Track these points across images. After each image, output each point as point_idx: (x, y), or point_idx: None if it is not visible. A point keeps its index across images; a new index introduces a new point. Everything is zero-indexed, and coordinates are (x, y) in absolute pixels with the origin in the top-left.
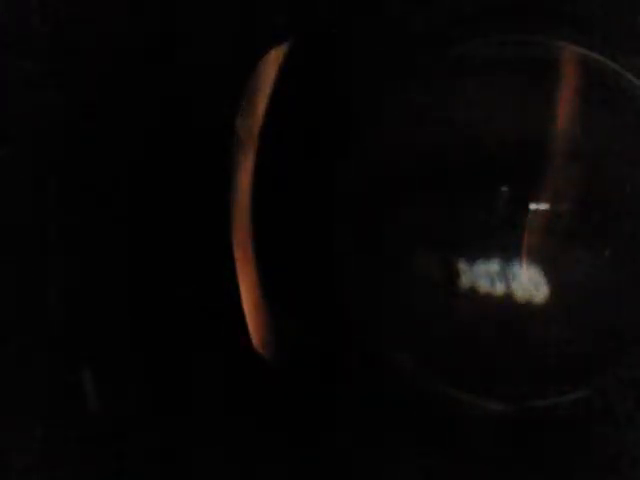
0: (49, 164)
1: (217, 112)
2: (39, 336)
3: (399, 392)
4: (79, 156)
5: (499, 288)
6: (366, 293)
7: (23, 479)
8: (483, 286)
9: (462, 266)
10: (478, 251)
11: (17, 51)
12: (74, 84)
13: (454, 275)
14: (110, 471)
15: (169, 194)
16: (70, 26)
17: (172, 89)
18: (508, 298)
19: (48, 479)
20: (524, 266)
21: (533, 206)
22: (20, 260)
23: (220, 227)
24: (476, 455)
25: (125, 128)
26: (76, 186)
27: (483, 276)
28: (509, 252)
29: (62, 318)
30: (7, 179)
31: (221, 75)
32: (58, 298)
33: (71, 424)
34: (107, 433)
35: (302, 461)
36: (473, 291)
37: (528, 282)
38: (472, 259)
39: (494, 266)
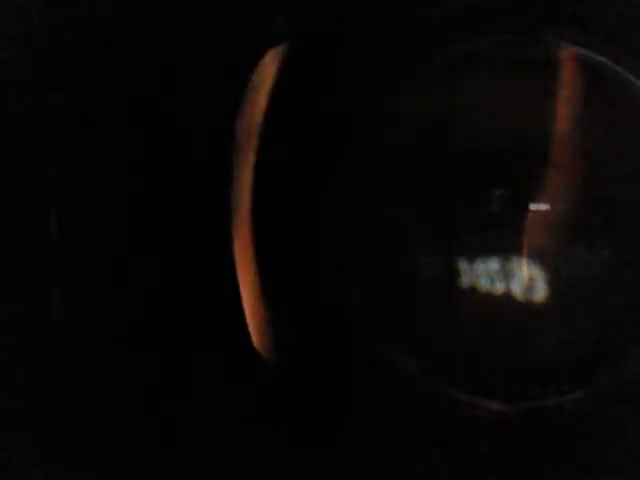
0: (49, 163)
1: (217, 112)
2: (40, 336)
3: (399, 392)
4: (79, 155)
5: (499, 288)
6: (366, 293)
7: (22, 476)
8: (483, 286)
9: (462, 266)
10: (478, 251)
11: (16, 49)
12: (73, 83)
13: (454, 275)
14: (110, 471)
15: (169, 194)
16: (70, 25)
17: (172, 88)
18: (508, 298)
19: (48, 478)
20: (524, 266)
21: (533, 206)
22: (20, 261)
23: (220, 227)
24: (476, 455)
25: (125, 128)
26: (76, 186)
27: (483, 275)
28: (509, 251)
29: (63, 317)
30: (6, 179)
31: (221, 75)
32: (60, 297)
33: (71, 423)
34: (107, 433)
35: (302, 461)
36: (473, 291)
37: (528, 282)
38: (472, 259)
39: (494, 265)
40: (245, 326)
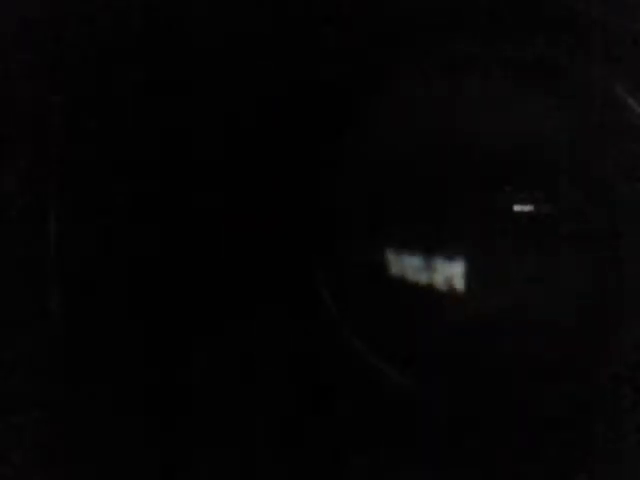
0: (48, 162)
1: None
2: (39, 336)
3: (394, 396)
4: (77, 155)
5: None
6: (353, 296)
7: (22, 476)
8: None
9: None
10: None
11: (16, 47)
12: (73, 81)
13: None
14: (110, 470)
15: (169, 194)
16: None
17: (174, 89)
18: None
19: (47, 477)
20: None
21: (528, 208)
22: (20, 262)
23: (219, 226)
24: (475, 456)
25: (124, 127)
26: (75, 185)
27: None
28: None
29: (63, 317)
30: (5, 178)
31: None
32: (59, 297)
33: (71, 422)
34: (108, 432)
35: (301, 462)
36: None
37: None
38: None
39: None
40: (242, 326)
